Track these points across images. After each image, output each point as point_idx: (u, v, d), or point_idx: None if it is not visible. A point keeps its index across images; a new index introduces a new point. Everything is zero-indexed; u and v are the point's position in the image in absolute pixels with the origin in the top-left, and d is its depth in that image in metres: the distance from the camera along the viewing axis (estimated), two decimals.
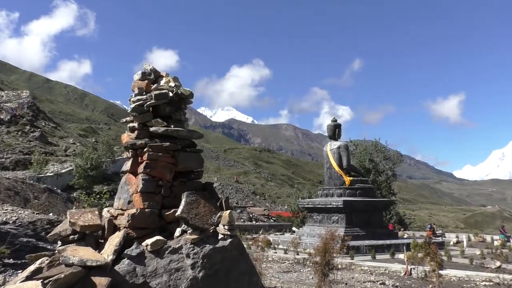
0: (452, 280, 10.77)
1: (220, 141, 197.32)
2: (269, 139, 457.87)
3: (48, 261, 6.35)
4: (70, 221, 7.46)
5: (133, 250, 7.22)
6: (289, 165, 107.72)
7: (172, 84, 10.89)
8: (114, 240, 7.52)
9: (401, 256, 13.31)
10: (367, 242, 14.79)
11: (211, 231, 7.75)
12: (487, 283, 10.16)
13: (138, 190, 9.66)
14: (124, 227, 8.42)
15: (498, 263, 11.95)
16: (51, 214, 16.04)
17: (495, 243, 21.44)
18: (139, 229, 8.32)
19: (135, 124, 10.54)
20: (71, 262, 6.03)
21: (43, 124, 44.65)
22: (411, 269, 11.32)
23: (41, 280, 5.63)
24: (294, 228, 28.58)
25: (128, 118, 10.79)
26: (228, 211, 9.20)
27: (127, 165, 10.44)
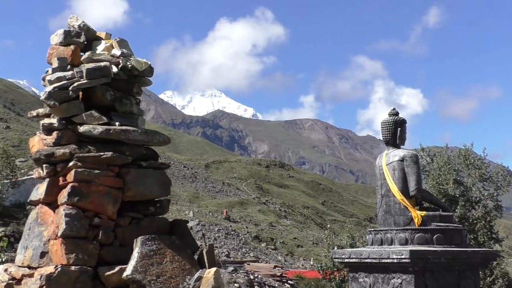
0: None
1: (199, 149, 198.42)
2: (283, 146, 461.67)
3: None
4: None
5: None
6: (317, 190, 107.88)
7: (116, 52, 10.94)
8: None
9: None
10: None
11: None
12: None
13: (59, 234, 9.63)
14: None
15: None
16: None
17: None
18: None
19: (54, 121, 10.57)
20: None
21: None
22: None
23: None
24: None
25: (40, 110, 10.84)
26: (213, 269, 9.07)
27: (39, 191, 10.43)
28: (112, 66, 10.22)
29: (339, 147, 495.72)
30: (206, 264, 9.37)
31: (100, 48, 10.64)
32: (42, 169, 9.90)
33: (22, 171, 37.71)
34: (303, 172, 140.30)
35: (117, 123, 10.02)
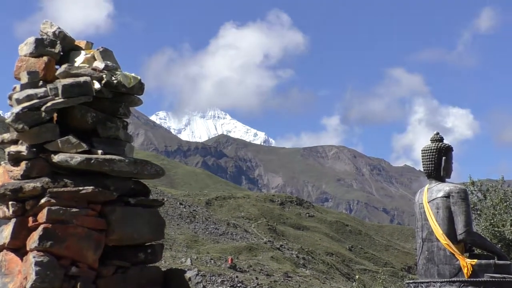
0: None
1: (199, 183, 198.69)
2: (301, 178, 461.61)
3: None
4: None
5: None
6: (343, 233, 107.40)
7: (99, 64, 11.04)
8: None
9: None
10: None
11: None
12: None
13: (28, 287, 9.54)
14: None
15: None
16: None
17: None
18: None
19: (22, 148, 10.61)
20: None
21: None
22: None
23: None
24: None
25: (6, 136, 10.90)
26: None
27: (3, 235, 10.41)
28: (94, 81, 10.29)
29: (370, 180, 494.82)
30: None
31: (79, 60, 10.73)
32: (8, 207, 9.88)
33: None
34: (326, 210, 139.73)
35: (99, 151, 10.03)
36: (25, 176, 9.89)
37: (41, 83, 10.33)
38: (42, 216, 9.51)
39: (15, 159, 10.14)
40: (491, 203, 27.12)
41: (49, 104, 9.91)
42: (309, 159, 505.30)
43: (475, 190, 28.34)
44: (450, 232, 14.15)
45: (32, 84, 10.29)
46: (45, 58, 10.54)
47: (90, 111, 10.25)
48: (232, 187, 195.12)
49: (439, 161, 13.82)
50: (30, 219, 9.72)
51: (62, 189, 9.66)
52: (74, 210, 9.60)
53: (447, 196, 13.88)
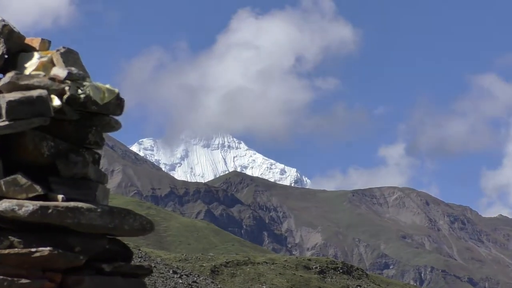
0: None
1: (200, 241, 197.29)
2: (350, 235, 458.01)
3: None
4: None
5: None
6: None
7: (60, 72, 11.03)
8: None
9: None
10: None
11: None
12: None
13: None
14: None
15: None
16: None
17: None
18: None
19: None
20: None
21: None
22: None
23: None
24: None
25: None
26: None
27: None
28: (53, 96, 10.30)
29: (449, 238, 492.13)
30: None
31: (31, 66, 10.75)
32: None
33: None
34: (386, 281, 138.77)
35: (60, 197, 10.04)
36: None
37: None
38: None
39: None
40: None
41: None
42: (361, 207, 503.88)
43: None
44: None
45: None
46: None
47: (46, 139, 10.24)
48: (249, 248, 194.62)
49: None
50: None
51: (7, 251, 9.65)
52: (23, 281, 9.58)
53: None
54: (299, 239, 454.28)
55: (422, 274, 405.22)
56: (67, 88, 10.36)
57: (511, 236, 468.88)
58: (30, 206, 9.79)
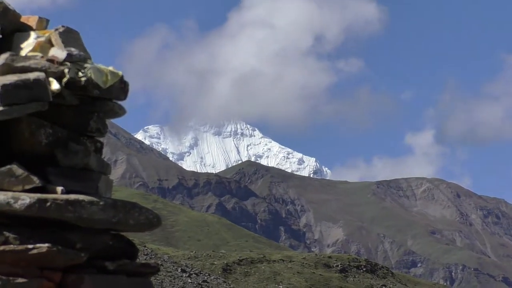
0: None
1: (210, 238, 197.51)
2: (374, 230, 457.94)
3: None
4: None
5: None
6: None
7: (59, 53, 11.03)
8: None
9: None
10: None
11: None
12: None
13: None
14: None
15: None
16: None
17: None
18: None
19: None
20: None
21: None
22: None
23: None
24: None
25: None
26: None
27: None
28: (51, 80, 10.30)
29: (482, 233, 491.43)
30: None
31: (28, 47, 10.77)
32: None
33: None
34: (414, 280, 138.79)
35: (59, 189, 10.04)
36: None
37: None
38: None
39: None
40: None
41: None
42: (386, 200, 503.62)
43: None
44: None
45: None
46: None
47: (44, 126, 10.26)
48: (264, 245, 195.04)
49: None
50: None
51: (2, 247, 9.66)
52: (19, 281, 9.62)
53: None
54: (319, 235, 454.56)
55: (453, 273, 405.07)
56: (66, 70, 10.35)
57: None
58: (26, 199, 9.80)
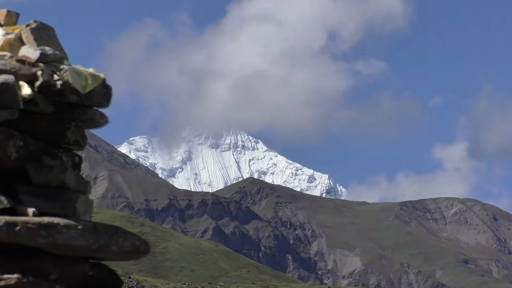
0: None
1: (207, 268, 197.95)
2: (398, 260, 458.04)
3: None
4: None
5: None
6: None
7: (30, 52, 11.08)
8: None
9: None
10: None
11: None
12: None
13: None
14: None
15: None
16: None
17: None
18: None
19: None
20: None
21: None
22: None
23: None
24: None
25: None
26: None
27: None
28: (22, 84, 10.34)
29: None
30: None
31: None
32: None
33: None
34: None
35: (31, 210, 10.07)
36: None
37: None
38: None
39: None
40: None
41: None
42: (411, 224, 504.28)
43: None
44: None
45: None
46: None
47: (14, 137, 10.27)
48: (269, 276, 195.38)
49: None
50: None
51: None
52: None
53: None
54: (332, 264, 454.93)
55: None
56: (39, 72, 10.37)
57: None
58: None
